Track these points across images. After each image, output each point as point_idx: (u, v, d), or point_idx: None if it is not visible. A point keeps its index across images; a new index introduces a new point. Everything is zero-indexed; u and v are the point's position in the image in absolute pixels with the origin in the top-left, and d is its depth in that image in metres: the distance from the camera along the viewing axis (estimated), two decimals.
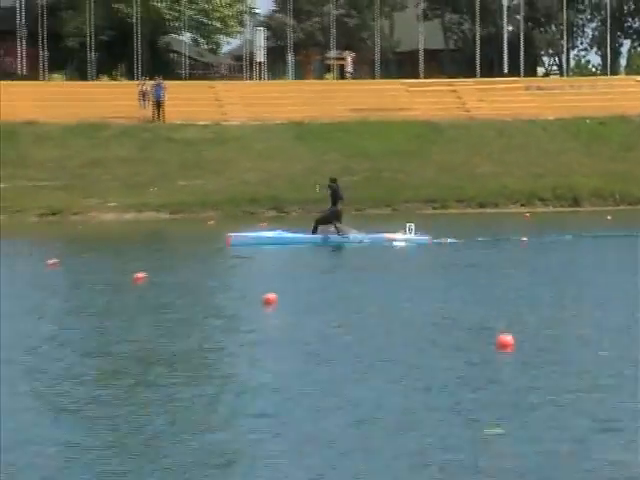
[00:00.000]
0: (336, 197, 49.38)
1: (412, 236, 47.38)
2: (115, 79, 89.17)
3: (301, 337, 21.30)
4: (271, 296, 24.97)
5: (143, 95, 79.22)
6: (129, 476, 11.02)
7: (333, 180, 50.90)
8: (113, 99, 79.63)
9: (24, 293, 30.98)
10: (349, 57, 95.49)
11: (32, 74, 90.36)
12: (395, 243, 47.69)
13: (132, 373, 17.64)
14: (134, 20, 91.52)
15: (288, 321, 23.81)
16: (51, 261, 36.53)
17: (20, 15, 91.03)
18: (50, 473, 11.13)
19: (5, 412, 14.30)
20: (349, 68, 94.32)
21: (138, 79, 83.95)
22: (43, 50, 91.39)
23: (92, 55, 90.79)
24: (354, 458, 11.86)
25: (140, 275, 31.61)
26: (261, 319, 24.69)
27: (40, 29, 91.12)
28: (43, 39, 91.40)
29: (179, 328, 23.39)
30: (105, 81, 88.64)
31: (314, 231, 49.03)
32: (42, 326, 24.08)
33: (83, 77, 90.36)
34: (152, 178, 70.90)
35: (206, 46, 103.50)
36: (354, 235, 48.24)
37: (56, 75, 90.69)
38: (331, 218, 48.87)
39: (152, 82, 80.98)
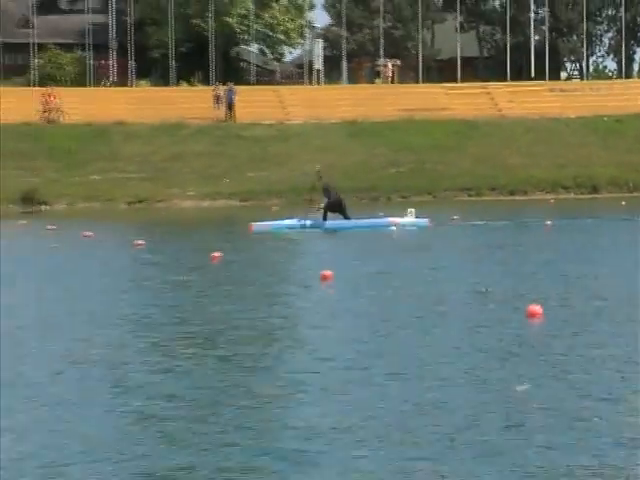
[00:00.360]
0: (329, 196, 47.62)
1: (413, 219, 46.57)
2: (192, 85, 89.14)
3: (362, 308, 20.97)
4: (327, 273, 24.82)
5: (217, 98, 79.50)
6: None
7: (326, 188, 48.62)
8: (191, 102, 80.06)
9: (117, 270, 30.66)
10: (389, 64, 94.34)
11: (122, 81, 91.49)
12: (392, 227, 46.07)
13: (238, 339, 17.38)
14: (209, 34, 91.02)
15: (346, 294, 23.48)
16: (138, 242, 36.56)
17: (112, 31, 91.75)
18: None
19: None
20: (389, 73, 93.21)
21: (212, 85, 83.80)
22: (131, 60, 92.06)
23: (173, 64, 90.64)
24: (405, 408, 11.89)
25: (216, 254, 31.42)
26: (321, 292, 24.33)
27: (129, 42, 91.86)
28: (131, 51, 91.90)
29: (259, 299, 23.05)
30: (184, 87, 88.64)
31: (324, 217, 47.45)
32: (136, 299, 23.94)
33: (165, 83, 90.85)
34: (225, 170, 70.79)
35: (271, 55, 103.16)
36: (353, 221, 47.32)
37: (142, 82, 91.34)
38: (335, 206, 47.28)
39: (224, 87, 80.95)
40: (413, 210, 46.92)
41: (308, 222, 46.74)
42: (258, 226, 45.86)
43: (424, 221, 46.40)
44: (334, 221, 46.67)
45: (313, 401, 12.55)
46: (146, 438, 10.83)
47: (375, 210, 56.68)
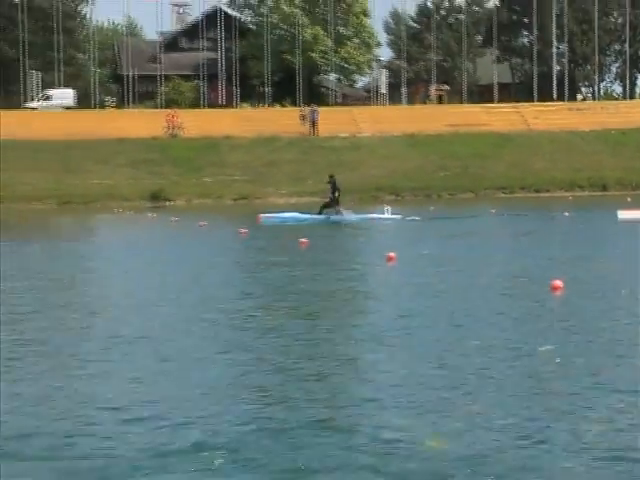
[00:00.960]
0: (334, 188, 48.17)
1: (388, 215, 45.83)
2: (284, 106, 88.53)
3: (425, 282, 21.56)
4: (392, 254, 24.98)
5: (302, 117, 78.94)
6: None
7: (331, 176, 49.68)
8: (282, 120, 79.26)
9: (226, 251, 31.36)
10: (433, 88, 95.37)
11: (229, 104, 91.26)
12: (372, 217, 46.30)
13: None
14: (297, 66, 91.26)
15: (412, 271, 23.88)
16: (243, 230, 37.13)
17: (221, 65, 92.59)
18: None
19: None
20: (432, 96, 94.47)
21: (299, 106, 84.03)
22: (236, 87, 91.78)
23: (268, 90, 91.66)
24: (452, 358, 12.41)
25: (304, 240, 31.44)
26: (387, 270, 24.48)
27: (234, 74, 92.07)
28: (236, 80, 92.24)
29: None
30: (277, 108, 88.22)
31: (319, 213, 47.64)
32: (240, 274, 24.93)
33: (262, 105, 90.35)
34: (309, 174, 69.23)
35: (346, 82, 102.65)
36: (348, 216, 46.93)
37: (244, 104, 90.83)
38: (332, 204, 47.42)
39: (309, 108, 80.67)
40: (389, 208, 46.29)
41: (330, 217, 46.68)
42: (265, 218, 45.89)
43: (397, 217, 45.57)
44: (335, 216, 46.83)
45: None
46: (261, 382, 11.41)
47: (427, 205, 56.79)
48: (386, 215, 46.05)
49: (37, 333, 16.13)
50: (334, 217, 47.01)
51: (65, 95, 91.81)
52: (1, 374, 12.32)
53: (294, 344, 13.98)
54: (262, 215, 46.81)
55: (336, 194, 47.95)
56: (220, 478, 8.23)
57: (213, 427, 9.71)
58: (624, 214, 42.03)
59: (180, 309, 18.44)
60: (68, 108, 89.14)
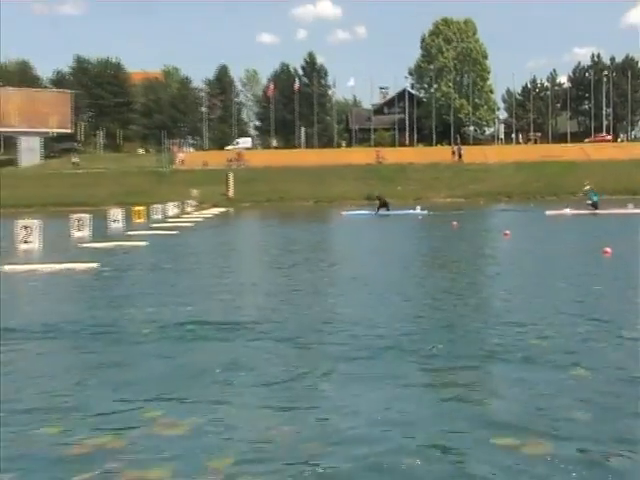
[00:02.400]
0: (382, 203, 42.63)
1: (419, 211, 41.55)
2: (442, 145, 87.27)
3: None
4: (608, 249, 16.76)
5: (453, 152, 78.91)
6: None
7: (378, 197, 44.66)
8: (442, 154, 78.99)
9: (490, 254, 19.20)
10: (531, 135, 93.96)
11: (411, 144, 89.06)
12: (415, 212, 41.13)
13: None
14: (451, 122, 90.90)
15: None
16: (506, 232, 24.01)
17: (406, 121, 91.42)
18: None
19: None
20: (530, 139, 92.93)
21: (451, 145, 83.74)
22: (414, 134, 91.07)
23: (434, 136, 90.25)
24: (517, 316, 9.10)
25: (507, 232, 23.76)
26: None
27: (414, 127, 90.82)
28: (414, 130, 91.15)
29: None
30: (439, 147, 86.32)
31: (377, 210, 41.94)
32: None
33: (430, 145, 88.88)
34: (457, 185, 69.19)
35: (479, 131, 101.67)
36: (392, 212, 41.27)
37: (420, 144, 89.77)
38: (383, 206, 41.55)
39: (457, 146, 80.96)
40: (419, 206, 42.61)
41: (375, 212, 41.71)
42: (347, 215, 41.24)
43: (424, 212, 41.11)
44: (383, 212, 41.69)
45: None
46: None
47: (528, 202, 54.71)
48: (418, 211, 41.53)
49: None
50: (382, 212, 41.55)
51: (245, 141, 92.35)
52: None
53: None
54: (343, 212, 41.99)
55: (387, 205, 42.54)
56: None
57: None
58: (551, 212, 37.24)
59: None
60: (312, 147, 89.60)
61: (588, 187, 40.37)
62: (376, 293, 11.76)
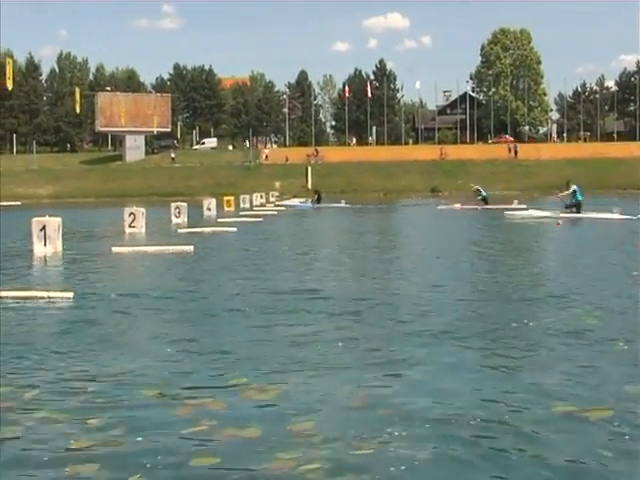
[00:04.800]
0: (319, 197, 41.61)
1: (343, 204, 40.01)
2: (500, 144, 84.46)
3: None
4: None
5: (509, 149, 77.82)
6: None
7: (317, 191, 43.68)
8: (499, 150, 78.01)
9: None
10: (581, 134, 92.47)
11: (471, 142, 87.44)
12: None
13: None
14: (507, 122, 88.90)
15: None
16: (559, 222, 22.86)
17: (467, 121, 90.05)
18: None
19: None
20: (580, 138, 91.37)
21: (508, 143, 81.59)
22: (475, 134, 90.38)
23: (491, 135, 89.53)
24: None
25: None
26: None
27: (474, 126, 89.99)
28: (474, 130, 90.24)
29: None
30: (496, 145, 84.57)
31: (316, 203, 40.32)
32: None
33: (485, 142, 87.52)
34: (512, 178, 67.83)
35: (533, 131, 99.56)
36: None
37: (479, 142, 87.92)
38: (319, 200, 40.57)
39: (512, 144, 79.37)
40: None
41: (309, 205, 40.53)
42: (287, 204, 40.75)
43: (347, 205, 39.46)
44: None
45: None
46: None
47: None
48: (342, 204, 39.90)
49: None
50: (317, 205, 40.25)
51: (211, 141, 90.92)
52: None
53: None
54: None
55: (319, 196, 41.51)
56: None
57: None
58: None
59: None
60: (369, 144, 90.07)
61: (476, 187, 38.84)
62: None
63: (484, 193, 37.83)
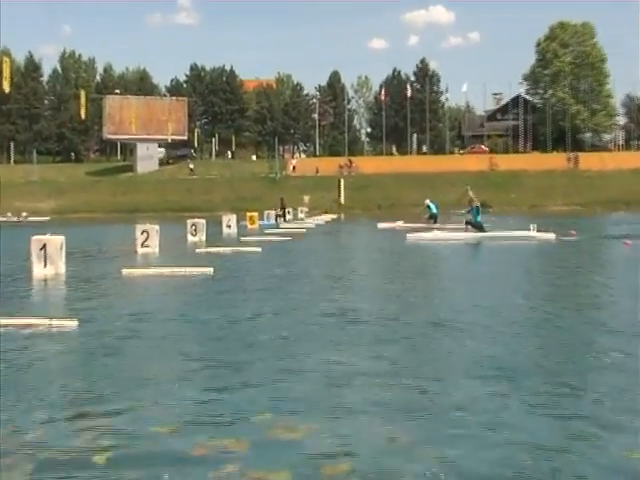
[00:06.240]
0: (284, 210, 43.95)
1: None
2: (559, 152, 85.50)
3: None
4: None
5: (569, 159, 78.64)
6: None
7: (281, 199, 45.37)
8: (558, 160, 78.19)
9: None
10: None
11: (524, 151, 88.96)
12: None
13: None
14: (566, 128, 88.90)
15: None
16: (627, 242, 22.25)
17: (521, 128, 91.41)
18: None
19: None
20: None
21: (566, 152, 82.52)
22: (529, 142, 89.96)
23: (549, 143, 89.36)
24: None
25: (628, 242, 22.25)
26: None
27: (529, 133, 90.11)
28: (529, 137, 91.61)
29: None
30: (554, 154, 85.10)
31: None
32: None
33: (545, 151, 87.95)
34: (573, 191, 67.33)
35: (598, 138, 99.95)
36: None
37: (535, 151, 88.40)
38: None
39: (572, 153, 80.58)
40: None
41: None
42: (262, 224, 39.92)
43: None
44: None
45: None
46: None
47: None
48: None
49: None
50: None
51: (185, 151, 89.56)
52: None
53: None
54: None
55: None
56: None
57: None
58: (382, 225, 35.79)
59: None
60: (424, 154, 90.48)
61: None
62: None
63: (434, 210, 36.60)
